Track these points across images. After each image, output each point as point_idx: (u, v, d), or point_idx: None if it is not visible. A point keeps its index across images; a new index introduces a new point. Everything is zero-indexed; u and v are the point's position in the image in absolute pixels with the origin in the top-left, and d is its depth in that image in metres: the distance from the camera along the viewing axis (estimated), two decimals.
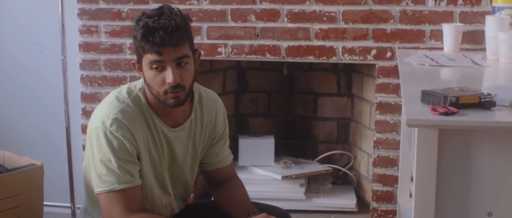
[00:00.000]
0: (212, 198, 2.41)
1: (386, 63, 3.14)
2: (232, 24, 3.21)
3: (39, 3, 3.55)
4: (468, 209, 1.70)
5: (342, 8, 3.12)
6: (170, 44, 1.96)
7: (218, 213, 2.26)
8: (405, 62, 2.58)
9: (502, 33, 2.58)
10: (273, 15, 3.18)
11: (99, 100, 2.95)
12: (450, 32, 2.91)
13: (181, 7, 2.42)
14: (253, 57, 3.24)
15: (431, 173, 1.66)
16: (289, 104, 3.82)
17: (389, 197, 3.24)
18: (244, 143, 3.57)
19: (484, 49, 2.80)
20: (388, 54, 3.12)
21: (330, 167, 3.56)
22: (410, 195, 2.75)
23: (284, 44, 3.20)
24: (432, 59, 2.61)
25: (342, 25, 3.14)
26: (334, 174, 3.64)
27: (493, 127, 1.66)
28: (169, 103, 2.04)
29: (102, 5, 3.29)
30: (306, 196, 3.43)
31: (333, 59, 3.19)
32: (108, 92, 2.20)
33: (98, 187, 2.05)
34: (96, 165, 2.04)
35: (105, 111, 2.06)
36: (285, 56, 3.21)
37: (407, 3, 3.07)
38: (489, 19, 2.73)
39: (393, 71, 3.09)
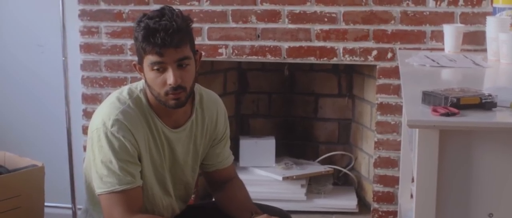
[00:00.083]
0: (213, 199, 2.41)
1: (387, 64, 3.14)
2: (233, 25, 3.21)
3: (40, 3, 3.55)
4: (469, 209, 1.69)
5: (342, 9, 3.12)
6: (171, 46, 1.96)
7: (219, 214, 2.26)
8: (406, 63, 2.58)
9: (503, 34, 2.58)
10: (274, 16, 3.18)
11: (100, 101, 2.95)
12: (451, 33, 2.91)
13: (182, 8, 2.43)
14: (254, 58, 3.24)
15: (432, 173, 1.66)
16: (290, 105, 3.82)
17: (390, 198, 3.24)
18: (245, 143, 3.57)
19: (485, 50, 2.80)
20: (389, 55, 3.12)
21: (331, 167, 3.56)
22: (411, 196, 2.75)
23: (285, 45, 3.20)
24: (433, 60, 2.61)
25: (343, 26, 3.14)
26: (335, 174, 3.64)
27: (494, 128, 1.66)
28: (170, 105, 2.04)
29: (103, 6, 3.29)
30: (307, 197, 3.43)
31: (334, 60, 3.19)
32: (109, 93, 2.20)
33: (99, 188, 2.05)
34: (97, 165, 2.05)
35: (106, 111, 2.06)
36: (286, 57, 3.21)
37: (408, 4, 3.07)
38: (490, 20, 2.73)
39: (394, 72, 3.09)
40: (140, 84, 2.14)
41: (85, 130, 3.33)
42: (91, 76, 3.37)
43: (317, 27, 3.15)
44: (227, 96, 3.67)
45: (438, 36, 3.04)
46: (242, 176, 2.43)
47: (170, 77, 1.99)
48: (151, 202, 2.16)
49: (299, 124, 3.82)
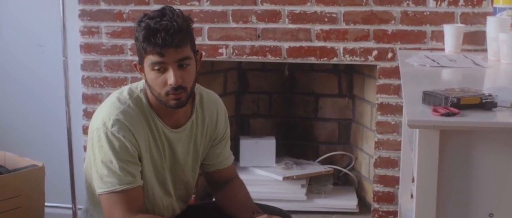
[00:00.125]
0: (213, 199, 2.41)
1: (387, 64, 3.14)
2: (233, 25, 3.21)
3: (40, 3, 3.55)
4: (469, 210, 1.69)
5: (343, 9, 3.12)
6: (171, 46, 1.96)
7: (220, 214, 2.26)
8: (406, 63, 2.58)
9: (503, 34, 2.58)
10: (274, 16, 3.18)
11: (100, 102, 2.95)
12: (451, 33, 2.91)
13: (182, 8, 2.42)
14: (254, 58, 3.24)
15: (432, 173, 1.66)
16: (290, 105, 3.82)
17: (390, 198, 3.24)
18: (245, 143, 3.57)
19: (485, 50, 2.80)
20: (389, 55, 3.12)
21: (331, 167, 3.56)
22: (411, 196, 2.75)
23: (285, 45, 3.20)
24: (433, 60, 2.61)
25: (343, 26, 3.14)
26: (335, 174, 3.64)
27: (494, 128, 1.66)
28: (170, 105, 2.04)
29: (103, 6, 3.29)
30: (307, 197, 3.43)
31: (334, 60, 3.19)
32: (109, 94, 2.20)
33: (99, 188, 2.05)
34: (98, 165, 2.05)
35: (106, 111, 2.06)
36: (286, 57, 3.21)
37: (408, 4, 3.07)
38: (490, 20, 2.73)
39: (394, 72, 3.09)
40: (140, 84, 2.14)
41: (85, 130, 3.33)
42: (91, 76, 3.37)
43: (317, 27, 3.15)
44: (227, 96, 3.67)
45: (439, 36, 3.04)
46: (242, 176, 2.43)
47: (170, 77, 1.99)
48: (152, 202, 2.16)
49: (299, 124, 3.82)
